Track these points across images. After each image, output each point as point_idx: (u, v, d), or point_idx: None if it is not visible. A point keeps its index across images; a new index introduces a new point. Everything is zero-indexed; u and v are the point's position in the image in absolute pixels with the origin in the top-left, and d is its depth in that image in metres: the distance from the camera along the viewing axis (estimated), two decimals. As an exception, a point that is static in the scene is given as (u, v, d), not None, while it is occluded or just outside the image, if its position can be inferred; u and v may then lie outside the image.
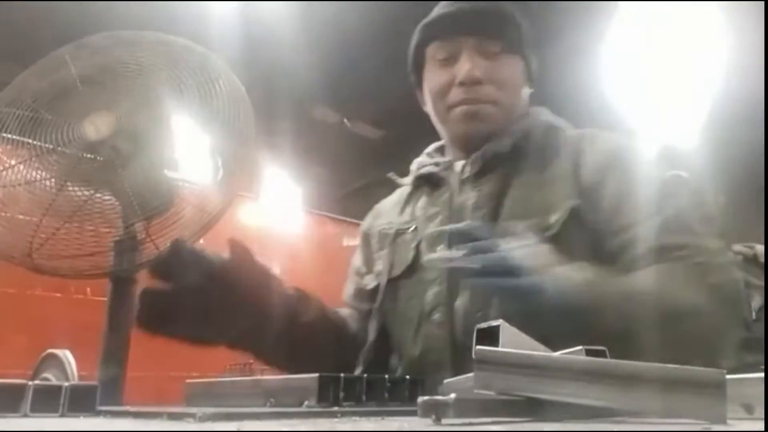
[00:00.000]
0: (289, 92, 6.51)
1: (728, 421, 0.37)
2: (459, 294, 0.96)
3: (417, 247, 1.04)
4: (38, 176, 1.12)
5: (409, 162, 1.17)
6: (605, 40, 5.13)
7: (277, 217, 4.69)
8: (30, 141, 1.13)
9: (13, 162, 1.14)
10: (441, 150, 1.17)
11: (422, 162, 1.13)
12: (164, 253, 0.85)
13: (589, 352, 0.47)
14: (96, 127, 1.11)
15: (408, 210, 1.12)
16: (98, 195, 1.11)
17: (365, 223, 1.24)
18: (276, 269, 0.95)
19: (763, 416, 0.41)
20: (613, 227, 0.91)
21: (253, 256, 0.89)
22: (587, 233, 0.92)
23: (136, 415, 0.52)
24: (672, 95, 5.20)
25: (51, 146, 1.12)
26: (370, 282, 1.13)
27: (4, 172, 1.14)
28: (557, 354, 0.47)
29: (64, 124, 1.13)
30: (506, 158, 1.01)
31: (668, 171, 0.96)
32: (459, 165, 1.06)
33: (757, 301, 2.26)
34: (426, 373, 0.90)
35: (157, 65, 1.16)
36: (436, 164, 1.10)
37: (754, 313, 2.23)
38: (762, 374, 0.43)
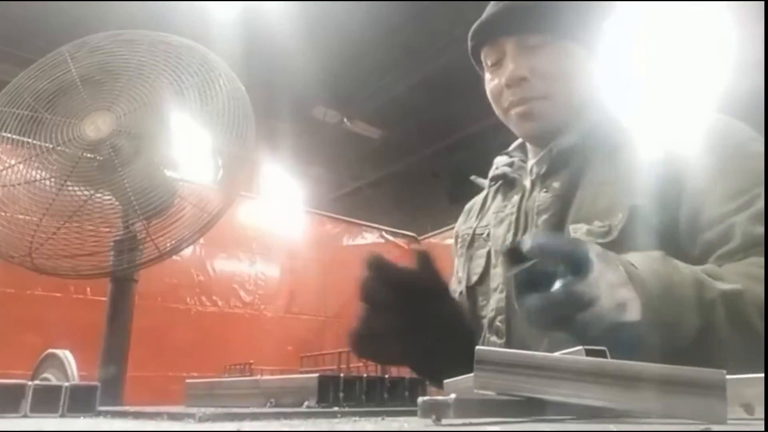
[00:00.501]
0: (289, 92, 6.51)
1: (728, 421, 0.37)
2: None
3: (488, 253, 1.01)
4: (38, 176, 1.12)
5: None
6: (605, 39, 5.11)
7: (276, 216, 4.69)
8: (30, 140, 1.13)
9: (13, 161, 1.14)
10: (522, 147, 1.11)
11: (499, 162, 1.09)
12: (368, 276, 0.79)
13: (589, 352, 0.47)
14: (96, 126, 1.11)
15: (488, 212, 1.07)
16: (98, 195, 1.11)
17: (457, 225, 1.18)
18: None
19: (763, 416, 0.41)
20: (696, 224, 0.81)
21: (435, 264, 0.85)
22: (657, 237, 0.82)
23: (136, 415, 0.52)
24: (674, 94, 5.19)
25: (51, 146, 1.12)
26: (457, 288, 1.08)
27: (4, 172, 1.14)
28: (557, 354, 0.47)
29: (63, 123, 1.12)
30: (575, 155, 0.94)
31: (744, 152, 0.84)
32: (531, 164, 1.01)
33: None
34: None
35: (158, 65, 1.16)
36: (510, 164, 1.06)
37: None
38: (762, 374, 0.43)
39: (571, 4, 0.98)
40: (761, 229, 0.76)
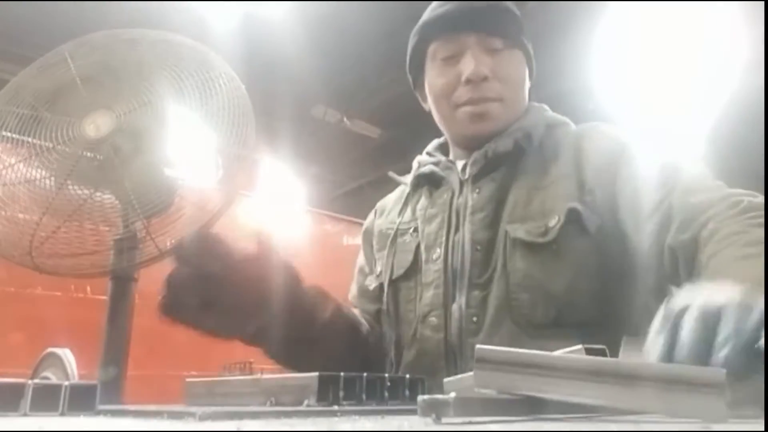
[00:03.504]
0: (289, 91, 6.51)
1: (728, 421, 0.37)
2: (455, 297, 0.95)
3: (416, 248, 1.03)
4: (38, 175, 1.12)
5: (409, 161, 1.16)
6: (605, 40, 5.12)
7: (276, 215, 4.69)
8: (30, 139, 1.13)
9: (12, 160, 1.14)
10: (442, 148, 1.15)
11: (423, 160, 1.12)
12: (190, 237, 0.79)
13: (589, 352, 0.47)
14: (96, 125, 1.11)
15: (408, 209, 1.10)
16: (98, 194, 1.11)
17: (367, 221, 1.22)
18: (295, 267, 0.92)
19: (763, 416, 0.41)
20: (639, 218, 0.86)
21: (277, 252, 0.86)
22: (590, 236, 0.90)
23: (136, 414, 0.52)
24: (676, 94, 5.19)
25: (51, 145, 1.12)
26: (371, 282, 1.11)
27: (4, 171, 1.14)
28: (557, 353, 0.47)
29: (63, 122, 1.12)
30: (508, 158, 0.99)
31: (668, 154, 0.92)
32: (460, 164, 1.05)
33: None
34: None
35: (158, 64, 1.16)
36: (437, 163, 1.08)
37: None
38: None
39: (521, 17, 1.04)
40: (697, 198, 0.80)
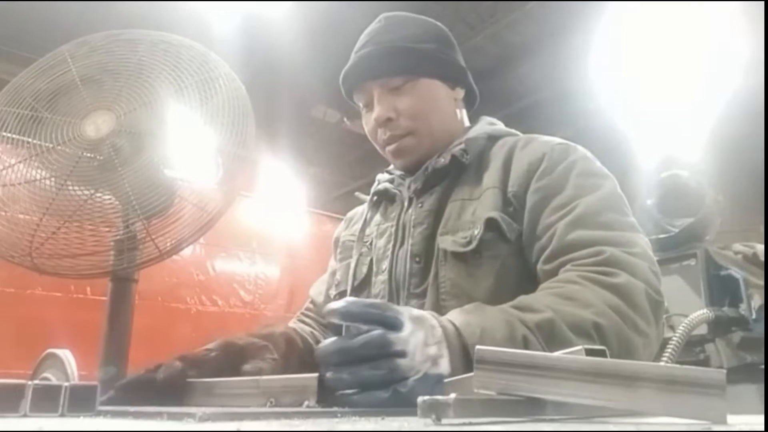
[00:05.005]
0: (289, 92, 6.51)
1: (728, 421, 0.37)
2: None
3: (370, 262, 1.08)
4: (38, 175, 1.12)
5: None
6: (605, 40, 5.12)
7: (276, 216, 4.69)
8: (30, 140, 1.13)
9: (13, 161, 1.14)
10: None
11: (381, 177, 1.18)
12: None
13: (589, 352, 0.47)
14: (96, 126, 1.11)
15: (368, 223, 1.16)
16: (98, 194, 1.11)
17: (337, 229, 1.28)
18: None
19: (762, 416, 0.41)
20: (533, 235, 0.93)
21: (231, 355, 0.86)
22: (511, 245, 0.94)
23: (136, 415, 0.52)
24: (677, 95, 5.19)
25: (51, 145, 1.12)
26: (332, 290, 1.16)
27: (4, 171, 1.14)
28: (557, 354, 0.47)
29: (64, 123, 1.13)
30: (446, 174, 1.04)
31: (589, 173, 0.96)
32: (409, 181, 1.10)
33: (757, 300, 2.26)
34: None
35: (158, 64, 1.16)
36: (392, 180, 1.15)
37: (754, 313, 2.23)
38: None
39: (426, 47, 1.08)
40: (575, 234, 0.87)
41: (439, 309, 0.92)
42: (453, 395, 0.41)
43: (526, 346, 0.71)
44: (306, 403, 0.59)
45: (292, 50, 5.40)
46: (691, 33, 4.71)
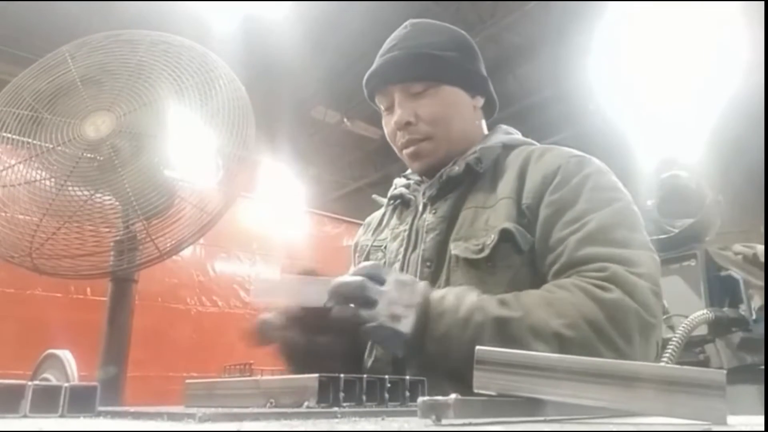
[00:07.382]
0: (289, 92, 6.51)
1: (728, 422, 0.37)
2: None
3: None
4: (38, 176, 1.12)
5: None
6: (605, 40, 5.12)
7: (276, 216, 4.69)
8: (30, 140, 1.13)
9: (13, 162, 1.14)
10: None
11: (397, 182, 1.20)
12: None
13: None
14: (96, 126, 1.11)
15: (383, 228, 1.17)
16: (98, 195, 1.11)
17: (357, 234, 1.29)
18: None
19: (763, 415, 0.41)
20: (545, 248, 0.93)
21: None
22: (524, 256, 0.94)
23: (136, 415, 0.52)
24: (678, 95, 5.19)
25: (51, 146, 1.12)
26: None
27: (4, 172, 1.14)
28: (557, 354, 0.47)
29: (64, 123, 1.13)
30: (460, 182, 1.06)
31: (605, 186, 0.97)
32: (423, 188, 1.12)
33: (757, 301, 2.26)
34: None
35: (157, 65, 1.17)
36: (408, 185, 1.17)
37: (754, 314, 2.23)
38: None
39: (450, 55, 1.10)
40: (585, 251, 0.89)
41: None
42: (453, 395, 0.41)
43: (477, 334, 0.79)
44: (306, 403, 0.59)
45: (292, 51, 5.40)
46: (691, 33, 4.71)
